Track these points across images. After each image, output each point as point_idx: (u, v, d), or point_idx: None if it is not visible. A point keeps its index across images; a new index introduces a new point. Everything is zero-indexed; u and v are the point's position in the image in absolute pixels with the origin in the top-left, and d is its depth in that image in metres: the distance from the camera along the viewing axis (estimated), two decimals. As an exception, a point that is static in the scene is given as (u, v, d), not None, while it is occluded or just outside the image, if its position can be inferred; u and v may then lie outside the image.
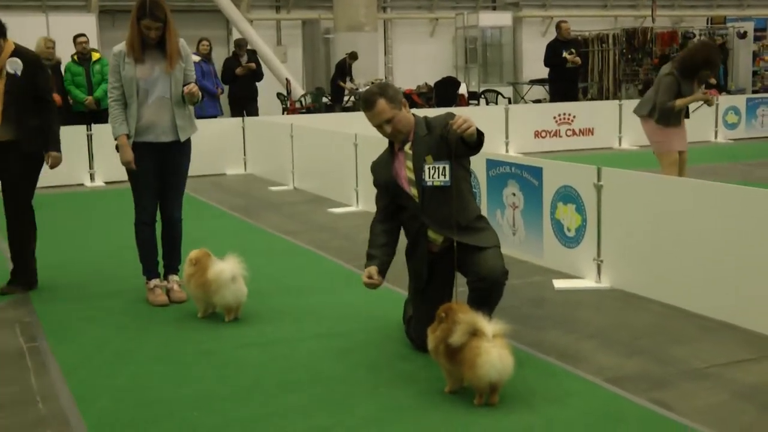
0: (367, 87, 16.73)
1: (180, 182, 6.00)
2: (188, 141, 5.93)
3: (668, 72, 7.48)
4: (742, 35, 20.42)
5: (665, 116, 7.45)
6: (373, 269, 4.71)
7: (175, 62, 5.72)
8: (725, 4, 25.94)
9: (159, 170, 5.86)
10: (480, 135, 4.46)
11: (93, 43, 13.78)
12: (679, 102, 7.41)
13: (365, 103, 4.72)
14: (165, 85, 5.75)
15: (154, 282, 5.96)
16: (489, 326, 3.91)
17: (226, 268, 5.27)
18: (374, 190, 4.92)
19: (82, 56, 12.50)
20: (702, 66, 7.42)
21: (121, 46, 5.74)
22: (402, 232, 4.92)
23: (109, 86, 5.80)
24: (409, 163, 4.65)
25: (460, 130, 4.33)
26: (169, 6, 5.71)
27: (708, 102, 7.76)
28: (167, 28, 5.66)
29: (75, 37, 12.68)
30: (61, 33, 14.20)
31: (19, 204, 6.06)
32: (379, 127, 4.69)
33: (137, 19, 5.58)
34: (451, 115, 4.57)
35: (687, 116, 7.76)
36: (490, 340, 3.87)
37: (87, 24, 16.21)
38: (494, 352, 3.85)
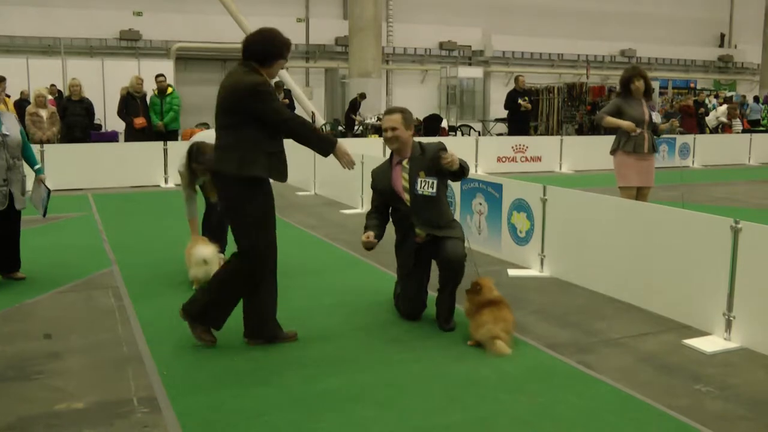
0: (373, 118, 16.81)
1: None
2: None
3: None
4: (650, 91, 20.63)
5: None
6: (370, 233, 4.66)
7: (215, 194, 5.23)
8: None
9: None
10: (462, 168, 4.52)
11: (170, 80, 13.84)
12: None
13: (389, 110, 4.76)
14: None
15: None
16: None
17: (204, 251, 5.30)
18: (375, 195, 4.92)
19: (160, 91, 12.46)
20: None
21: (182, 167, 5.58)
22: (388, 226, 4.87)
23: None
24: (405, 175, 4.63)
25: (447, 166, 4.45)
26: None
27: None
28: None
29: (156, 77, 12.64)
30: (148, 73, 14.25)
31: None
32: (386, 131, 4.65)
33: (189, 161, 5.47)
34: (442, 145, 4.59)
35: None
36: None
37: (167, 67, 16.24)
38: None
